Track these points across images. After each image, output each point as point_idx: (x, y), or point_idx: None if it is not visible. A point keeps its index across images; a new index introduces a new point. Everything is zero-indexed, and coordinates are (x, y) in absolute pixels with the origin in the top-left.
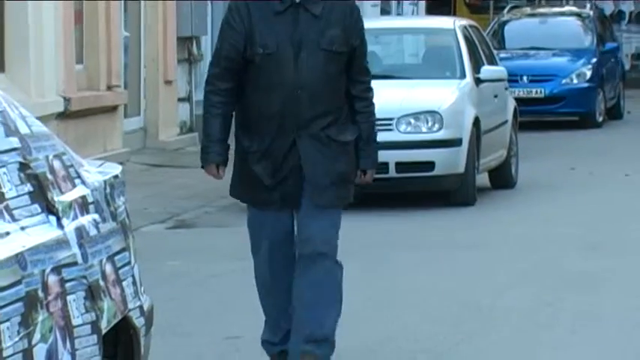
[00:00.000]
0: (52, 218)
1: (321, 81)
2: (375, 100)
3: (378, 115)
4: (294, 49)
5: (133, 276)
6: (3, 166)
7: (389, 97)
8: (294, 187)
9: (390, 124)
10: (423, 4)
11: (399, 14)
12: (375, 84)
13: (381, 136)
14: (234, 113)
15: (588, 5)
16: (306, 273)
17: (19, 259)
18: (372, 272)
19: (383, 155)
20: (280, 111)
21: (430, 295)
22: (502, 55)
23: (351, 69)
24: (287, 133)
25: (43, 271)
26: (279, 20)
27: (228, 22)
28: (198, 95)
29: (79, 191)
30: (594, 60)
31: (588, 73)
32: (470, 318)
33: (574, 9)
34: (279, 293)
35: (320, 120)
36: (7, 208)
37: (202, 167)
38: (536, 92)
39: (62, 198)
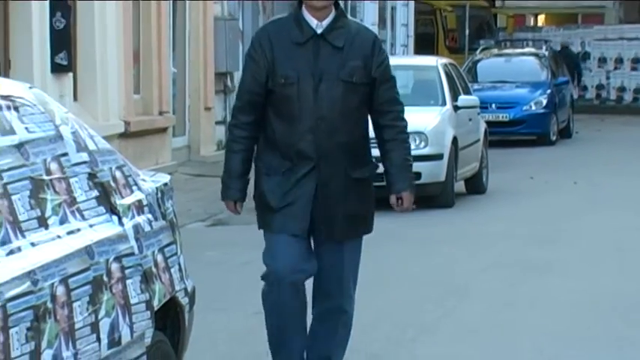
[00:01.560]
0: (114, 218)
1: (340, 112)
2: None
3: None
4: (315, 80)
5: (179, 264)
6: (75, 176)
7: None
8: (301, 212)
9: None
10: (412, 46)
11: (392, 54)
12: None
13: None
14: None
15: (544, 47)
16: (322, 325)
17: (88, 250)
18: (365, 260)
19: (380, 167)
20: (299, 141)
21: (416, 278)
22: (475, 86)
23: (378, 100)
24: (305, 163)
25: (107, 260)
26: (300, 51)
27: (250, 55)
28: None
29: (136, 196)
30: (549, 91)
31: (544, 102)
32: (449, 297)
33: (533, 50)
34: (290, 347)
35: (338, 152)
36: (78, 209)
37: (222, 200)
38: (502, 117)
39: (122, 201)
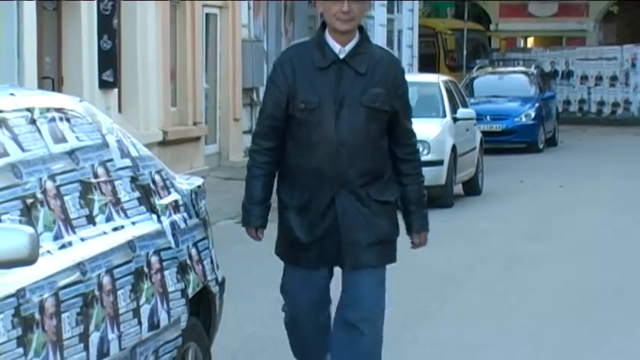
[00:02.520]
0: (154, 216)
1: (362, 138)
2: None
3: None
4: (336, 105)
5: (210, 257)
6: (119, 179)
7: None
8: (332, 246)
9: None
10: (416, 65)
11: None
12: None
13: None
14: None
15: (533, 66)
16: (348, 342)
17: (130, 245)
18: None
19: None
20: (320, 167)
21: (419, 270)
22: (472, 100)
23: (395, 131)
24: (326, 189)
25: (147, 253)
26: (321, 76)
27: (272, 80)
28: None
29: (173, 197)
30: (537, 105)
31: (533, 114)
32: (449, 286)
33: (523, 69)
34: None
35: (360, 178)
36: (122, 208)
37: (243, 226)
38: (496, 127)
39: (161, 202)
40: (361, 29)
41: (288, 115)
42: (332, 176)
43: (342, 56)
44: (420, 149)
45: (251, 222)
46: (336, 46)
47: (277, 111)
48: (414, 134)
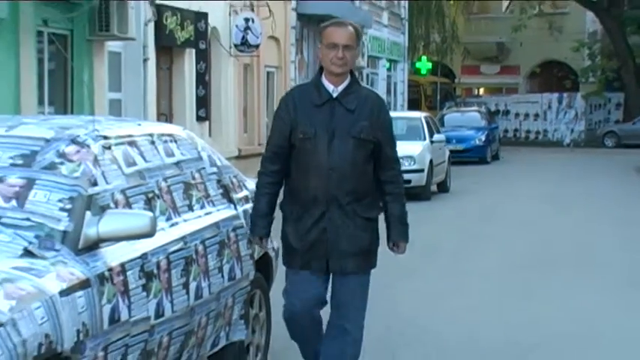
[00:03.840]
0: (232, 205)
1: (349, 163)
2: None
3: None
4: (329, 136)
5: None
6: (209, 181)
7: None
8: (321, 253)
9: None
10: (406, 105)
11: (394, 110)
12: None
13: None
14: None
15: (483, 107)
16: (334, 341)
17: (217, 224)
18: None
19: None
20: (314, 186)
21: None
22: (443, 129)
23: (380, 158)
24: (319, 204)
25: (227, 230)
26: (318, 112)
27: (278, 114)
28: None
29: (244, 192)
30: (486, 132)
31: (483, 138)
32: (427, 253)
33: (476, 108)
34: (311, 347)
35: (347, 196)
36: (211, 200)
37: (250, 235)
38: (459, 147)
39: (237, 196)
40: (352, 73)
41: (290, 143)
42: (323, 194)
43: (335, 95)
44: (409, 161)
45: (256, 231)
46: (330, 87)
47: (281, 140)
48: (396, 160)
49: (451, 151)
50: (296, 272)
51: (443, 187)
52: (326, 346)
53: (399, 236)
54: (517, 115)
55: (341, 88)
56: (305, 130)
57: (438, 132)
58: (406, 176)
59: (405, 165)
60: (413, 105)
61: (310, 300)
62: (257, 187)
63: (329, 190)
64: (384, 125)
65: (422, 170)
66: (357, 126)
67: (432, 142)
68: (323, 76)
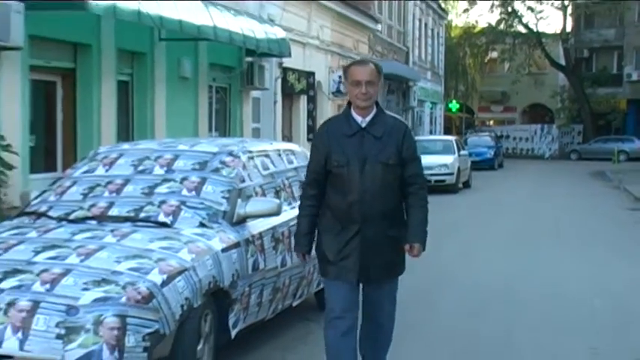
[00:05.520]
0: None
1: (380, 186)
2: (427, 160)
3: (438, 163)
4: (360, 162)
5: None
6: (294, 181)
7: (431, 159)
8: (353, 265)
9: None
10: (442, 131)
11: (433, 133)
12: (428, 156)
13: (432, 170)
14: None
15: (492, 133)
16: (371, 332)
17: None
18: None
19: (429, 178)
20: (350, 207)
21: (437, 223)
22: (466, 147)
23: (406, 174)
24: (353, 223)
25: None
26: (349, 141)
27: (314, 145)
28: None
29: None
30: (494, 149)
31: (492, 153)
32: (452, 229)
33: (488, 134)
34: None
35: (379, 216)
36: (295, 198)
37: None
38: (476, 159)
39: None
40: (377, 104)
41: (326, 170)
42: (358, 214)
43: (363, 126)
44: (444, 168)
45: (299, 248)
46: (359, 119)
47: (318, 167)
48: (422, 176)
49: (472, 162)
50: (331, 281)
51: (466, 185)
52: (363, 338)
53: (415, 238)
54: (514, 138)
55: (368, 118)
56: (338, 158)
57: (463, 149)
58: (443, 177)
59: (442, 170)
60: (447, 131)
61: (344, 305)
62: (299, 208)
63: (363, 210)
64: (409, 147)
65: (453, 173)
66: (386, 152)
67: (459, 155)
68: (352, 109)
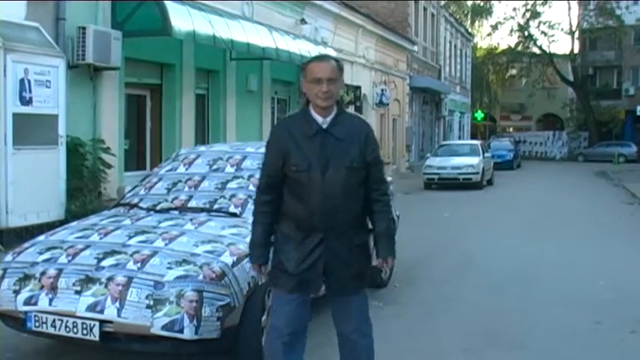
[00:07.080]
0: None
1: (344, 192)
2: (456, 161)
3: (465, 163)
4: (322, 167)
5: (393, 207)
6: None
7: (460, 160)
8: (314, 277)
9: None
10: (469, 136)
11: (462, 138)
12: (457, 158)
13: (460, 170)
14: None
15: (512, 138)
16: (348, 352)
17: None
18: (438, 206)
19: (458, 176)
20: (310, 215)
21: (462, 214)
22: (490, 150)
23: (370, 179)
24: (316, 233)
25: None
26: (309, 143)
27: (270, 145)
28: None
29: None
30: (513, 152)
31: (512, 155)
32: (481, 217)
33: (508, 139)
34: None
35: (342, 224)
36: None
37: (250, 263)
38: (498, 160)
39: None
40: (338, 103)
41: (283, 173)
42: (320, 223)
43: (324, 126)
44: (470, 168)
45: (254, 260)
46: (319, 119)
47: (274, 170)
48: (385, 181)
49: (494, 163)
50: (288, 295)
51: (489, 182)
52: (347, 353)
53: (386, 252)
54: (530, 143)
55: (329, 118)
56: (298, 162)
57: (487, 152)
58: (470, 176)
59: (469, 169)
60: (473, 137)
61: (299, 322)
62: (253, 215)
63: (325, 218)
64: (373, 151)
65: (478, 172)
66: (349, 155)
67: (484, 157)
68: (310, 107)
